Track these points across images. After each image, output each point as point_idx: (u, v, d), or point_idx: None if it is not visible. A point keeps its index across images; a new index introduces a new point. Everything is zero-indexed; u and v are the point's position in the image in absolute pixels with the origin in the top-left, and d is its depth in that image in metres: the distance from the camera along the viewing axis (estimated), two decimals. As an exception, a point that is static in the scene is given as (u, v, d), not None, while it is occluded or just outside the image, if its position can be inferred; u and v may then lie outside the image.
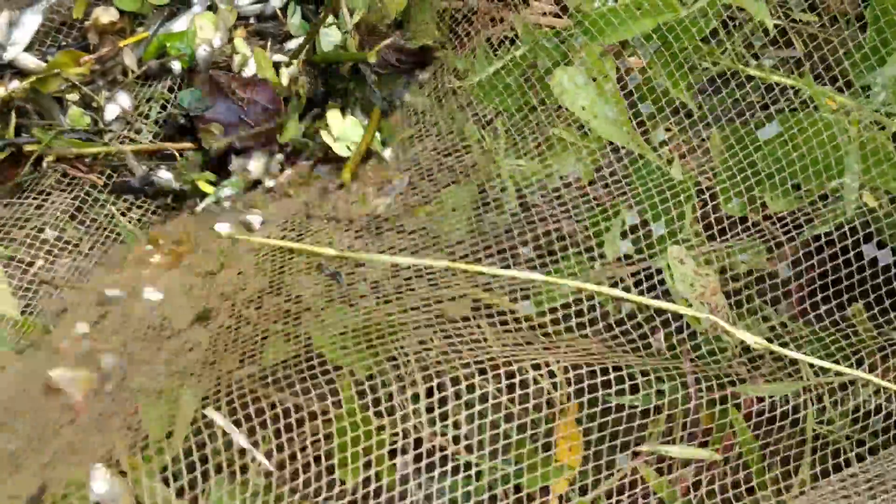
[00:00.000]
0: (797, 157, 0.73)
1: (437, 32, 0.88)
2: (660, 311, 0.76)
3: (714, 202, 0.78)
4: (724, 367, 0.75)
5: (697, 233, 0.77)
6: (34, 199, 0.79)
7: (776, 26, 0.76)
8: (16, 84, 0.79)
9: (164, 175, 0.83)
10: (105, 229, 0.79)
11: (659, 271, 0.78)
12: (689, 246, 0.76)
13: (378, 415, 0.75)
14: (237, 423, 0.77)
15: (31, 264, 0.77)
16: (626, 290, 0.76)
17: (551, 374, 0.76)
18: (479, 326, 0.80)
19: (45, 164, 0.81)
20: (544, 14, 0.88)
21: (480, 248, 0.80)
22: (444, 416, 0.77)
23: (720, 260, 0.78)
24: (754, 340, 0.68)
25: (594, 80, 0.69)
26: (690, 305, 0.72)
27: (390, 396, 0.78)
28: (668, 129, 0.77)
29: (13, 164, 0.82)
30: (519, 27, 0.80)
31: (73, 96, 0.79)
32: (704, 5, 0.71)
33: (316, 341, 0.73)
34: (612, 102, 0.69)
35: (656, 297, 0.78)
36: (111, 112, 0.82)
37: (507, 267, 0.80)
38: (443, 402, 0.76)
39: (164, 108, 0.85)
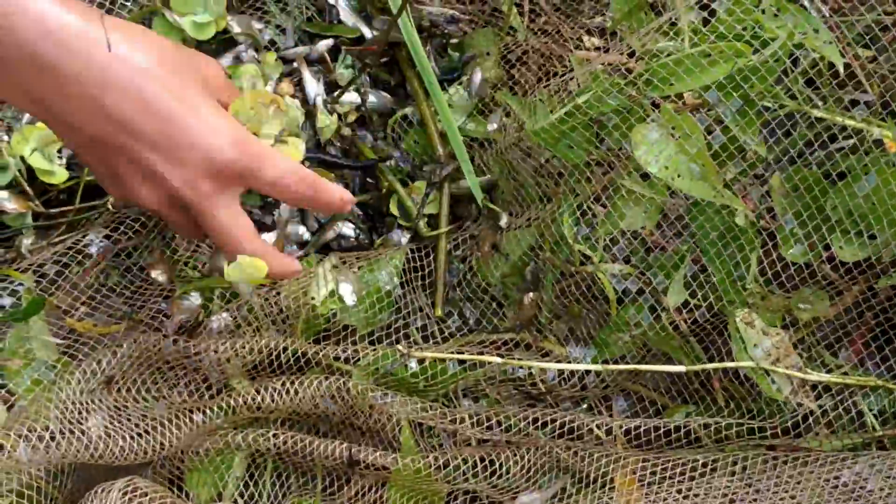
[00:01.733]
0: (868, 204, 0.70)
1: (496, 70, 0.85)
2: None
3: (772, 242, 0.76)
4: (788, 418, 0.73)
5: (758, 279, 0.75)
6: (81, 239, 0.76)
7: (845, 67, 0.73)
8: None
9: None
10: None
11: (721, 316, 0.76)
12: (752, 294, 0.74)
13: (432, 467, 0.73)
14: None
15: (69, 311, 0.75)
16: (689, 345, 0.74)
17: (609, 431, 0.74)
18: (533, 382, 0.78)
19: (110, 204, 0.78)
20: (597, 49, 0.85)
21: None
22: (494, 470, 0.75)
23: (784, 308, 0.76)
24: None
25: (673, 136, 0.66)
26: (767, 374, 0.69)
27: (441, 446, 0.76)
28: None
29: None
30: (577, 70, 0.77)
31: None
32: (776, 49, 0.68)
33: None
34: (695, 158, 0.66)
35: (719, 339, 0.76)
36: None
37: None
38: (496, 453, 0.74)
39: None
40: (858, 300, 0.78)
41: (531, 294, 0.80)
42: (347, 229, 0.84)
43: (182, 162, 0.60)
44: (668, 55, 0.67)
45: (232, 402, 0.68)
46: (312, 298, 0.74)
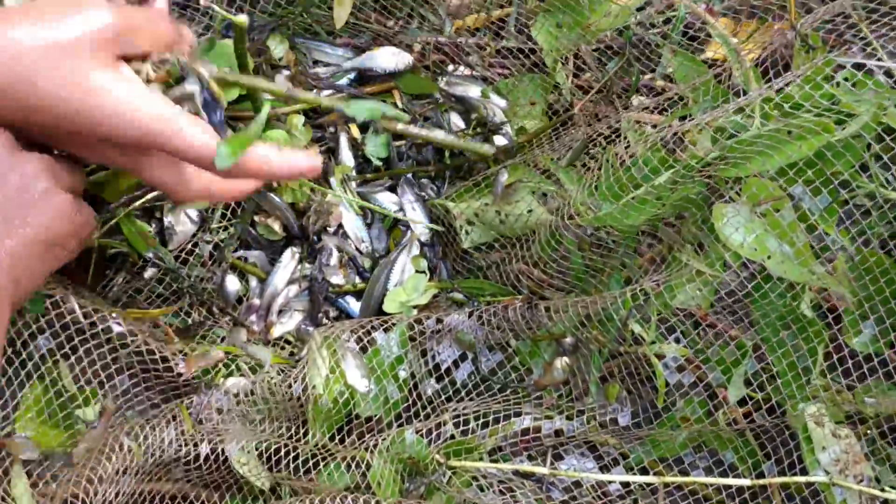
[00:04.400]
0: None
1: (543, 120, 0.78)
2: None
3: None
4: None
5: (824, 373, 0.69)
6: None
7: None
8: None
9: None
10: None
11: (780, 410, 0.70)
12: (819, 390, 0.68)
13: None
14: None
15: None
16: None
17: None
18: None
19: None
20: (646, 109, 0.80)
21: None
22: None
23: (848, 402, 0.70)
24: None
25: (758, 215, 0.60)
26: (833, 483, 0.63)
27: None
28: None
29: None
30: (630, 136, 0.71)
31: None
32: (860, 128, 0.61)
33: None
34: (786, 238, 0.60)
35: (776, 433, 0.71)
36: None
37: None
38: None
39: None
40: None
41: (565, 359, 0.74)
42: None
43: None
44: (742, 132, 0.60)
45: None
46: (314, 387, 0.66)
